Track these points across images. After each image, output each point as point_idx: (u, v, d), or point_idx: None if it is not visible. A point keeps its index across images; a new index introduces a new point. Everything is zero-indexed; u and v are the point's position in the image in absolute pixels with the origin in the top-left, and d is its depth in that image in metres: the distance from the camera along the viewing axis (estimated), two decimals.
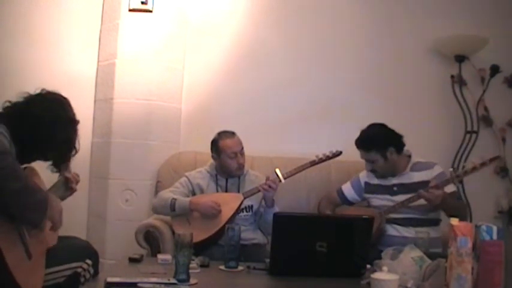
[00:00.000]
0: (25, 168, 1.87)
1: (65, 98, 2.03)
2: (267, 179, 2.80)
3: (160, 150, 3.44)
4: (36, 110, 1.90)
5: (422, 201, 2.66)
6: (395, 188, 2.79)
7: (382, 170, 2.78)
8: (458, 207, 2.76)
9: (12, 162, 1.68)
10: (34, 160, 1.98)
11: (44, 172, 2.03)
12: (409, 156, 2.83)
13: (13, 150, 1.79)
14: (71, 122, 2.00)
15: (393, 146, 2.75)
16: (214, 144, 2.90)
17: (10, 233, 1.68)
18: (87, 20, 3.56)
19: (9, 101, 1.92)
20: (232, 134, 2.90)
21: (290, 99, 3.63)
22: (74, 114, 2.03)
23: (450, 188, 2.69)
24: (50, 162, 2.02)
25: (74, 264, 1.96)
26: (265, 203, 2.82)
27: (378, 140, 2.75)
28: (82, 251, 2.06)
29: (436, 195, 2.54)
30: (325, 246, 2.08)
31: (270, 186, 2.75)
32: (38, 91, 1.97)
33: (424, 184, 2.65)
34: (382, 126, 2.80)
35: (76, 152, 2.04)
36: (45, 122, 1.89)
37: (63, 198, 2.07)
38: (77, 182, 2.14)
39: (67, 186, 2.10)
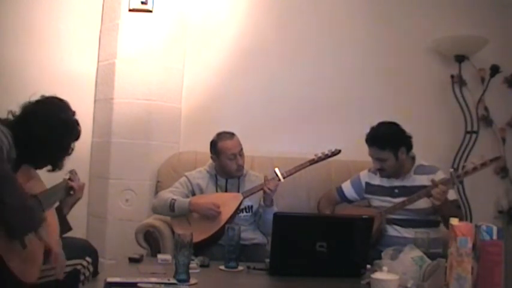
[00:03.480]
0: (20, 168, 1.86)
1: (60, 100, 2.02)
2: (266, 178, 2.80)
3: (160, 150, 3.43)
4: (31, 119, 1.90)
5: (422, 205, 2.66)
6: (396, 191, 2.77)
7: (390, 169, 2.75)
8: (457, 215, 2.73)
9: (7, 170, 1.68)
10: (41, 166, 1.99)
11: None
12: (413, 158, 2.81)
13: (13, 155, 1.78)
14: (67, 126, 2.00)
15: (404, 146, 2.73)
16: (214, 145, 2.90)
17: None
18: (87, 20, 3.55)
19: (11, 112, 1.93)
20: (232, 135, 2.89)
21: (289, 99, 3.63)
22: (71, 117, 2.03)
23: (451, 196, 2.67)
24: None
25: (73, 262, 1.97)
26: (264, 202, 2.82)
27: (393, 139, 2.71)
28: (81, 249, 2.06)
29: (442, 193, 2.50)
30: (325, 246, 2.08)
31: (269, 188, 2.75)
32: (34, 98, 1.97)
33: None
34: (395, 124, 2.76)
35: (71, 151, 2.05)
36: (49, 126, 1.91)
37: (62, 201, 2.08)
38: (81, 189, 2.15)
39: (68, 192, 2.10)
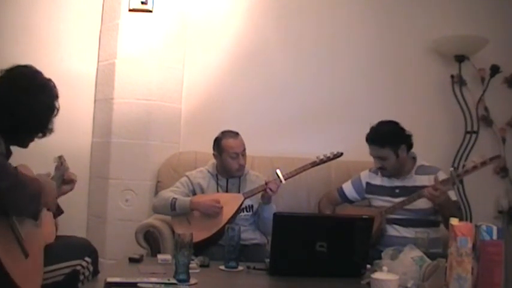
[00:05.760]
0: (16, 167, 1.85)
1: (24, 67, 1.99)
2: (268, 182, 2.79)
3: (160, 150, 3.44)
4: (3, 90, 1.88)
5: (422, 205, 2.66)
6: (397, 191, 2.77)
7: (391, 168, 2.75)
8: (456, 216, 2.73)
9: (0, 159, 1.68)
10: (25, 142, 1.95)
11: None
12: (414, 159, 2.81)
13: (2, 147, 1.78)
14: (41, 86, 1.96)
15: (405, 144, 2.74)
16: (217, 142, 2.90)
17: (4, 233, 1.67)
18: (87, 20, 3.55)
19: None
20: (236, 134, 2.90)
21: (290, 100, 3.63)
22: (41, 77, 1.98)
23: (452, 197, 2.67)
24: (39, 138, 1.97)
25: (72, 262, 1.95)
26: (262, 199, 2.82)
27: (393, 136, 2.72)
28: (81, 248, 2.05)
29: (439, 193, 2.51)
30: (325, 246, 2.08)
31: (271, 190, 2.75)
32: None
33: None
34: (394, 123, 2.77)
35: (57, 111, 1.99)
36: (16, 95, 1.86)
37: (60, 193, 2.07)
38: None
39: (63, 180, 2.09)
